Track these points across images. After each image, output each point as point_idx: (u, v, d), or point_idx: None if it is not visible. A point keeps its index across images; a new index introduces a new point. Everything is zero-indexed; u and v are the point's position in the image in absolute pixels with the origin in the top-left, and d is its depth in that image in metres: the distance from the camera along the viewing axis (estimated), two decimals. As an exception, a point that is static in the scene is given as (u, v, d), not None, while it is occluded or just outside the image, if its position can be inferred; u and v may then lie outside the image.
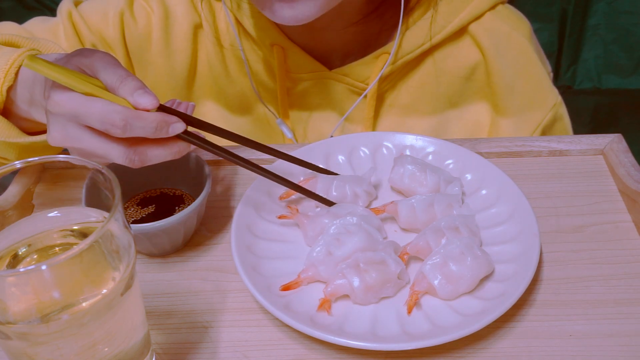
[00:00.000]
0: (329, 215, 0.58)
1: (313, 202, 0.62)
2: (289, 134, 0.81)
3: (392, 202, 0.60)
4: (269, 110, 0.82)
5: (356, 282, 0.52)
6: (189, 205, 0.60)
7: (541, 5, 1.98)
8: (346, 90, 0.79)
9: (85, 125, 0.50)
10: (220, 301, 0.55)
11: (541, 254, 0.57)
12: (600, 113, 2.04)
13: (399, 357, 0.50)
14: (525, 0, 1.90)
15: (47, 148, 0.61)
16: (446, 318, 0.51)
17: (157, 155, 0.52)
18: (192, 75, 0.82)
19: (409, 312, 0.51)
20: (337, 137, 0.68)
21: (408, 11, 0.74)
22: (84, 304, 0.38)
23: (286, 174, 0.61)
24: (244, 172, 0.68)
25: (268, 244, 0.58)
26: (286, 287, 0.54)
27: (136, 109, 0.50)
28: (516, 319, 0.53)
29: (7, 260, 0.41)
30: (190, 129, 0.54)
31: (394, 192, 0.65)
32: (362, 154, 0.68)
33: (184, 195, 0.63)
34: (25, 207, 0.62)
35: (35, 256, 0.42)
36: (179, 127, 0.52)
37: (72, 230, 0.43)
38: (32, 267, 0.35)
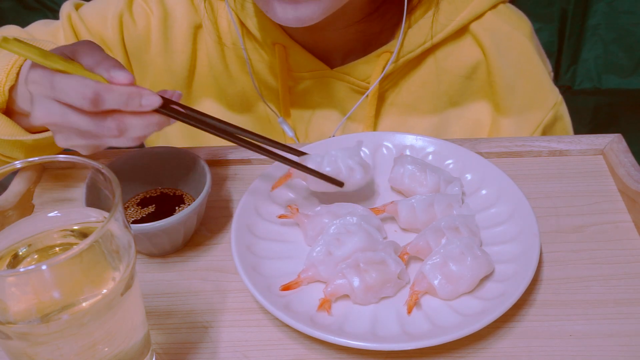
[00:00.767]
0: (329, 214, 0.58)
1: (313, 203, 0.62)
2: (290, 133, 0.81)
3: (392, 202, 0.60)
4: (271, 109, 0.82)
5: (356, 282, 0.52)
6: (189, 205, 0.60)
7: (541, 5, 1.98)
8: (347, 89, 0.79)
9: (64, 102, 0.51)
10: (220, 301, 0.55)
11: (541, 254, 0.57)
12: (600, 113, 2.04)
13: (399, 357, 0.50)
14: (525, 0, 1.89)
15: (53, 146, 0.61)
16: (446, 318, 0.51)
17: (135, 124, 0.52)
18: (191, 75, 0.82)
19: (409, 312, 0.51)
20: (337, 137, 0.68)
21: (410, 10, 0.74)
22: (84, 304, 0.38)
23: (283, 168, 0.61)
24: (244, 172, 0.68)
25: (268, 244, 0.58)
26: (286, 287, 0.54)
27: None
28: (516, 319, 0.53)
29: (7, 260, 0.41)
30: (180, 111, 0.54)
31: (394, 192, 0.65)
32: (362, 154, 0.67)
33: (184, 195, 0.63)
34: (25, 207, 0.62)
35: (35, 256, 0.42)
36: (153, 99, 0.52)
37: (72, 230, 0.43)
38: (32, 267, 0.35)
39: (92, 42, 0.55)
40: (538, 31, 0.83)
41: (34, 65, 0.51)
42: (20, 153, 0.65)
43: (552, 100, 0.76)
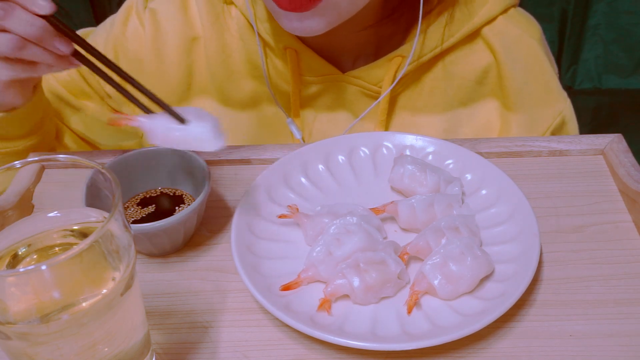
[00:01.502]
0: (329, 214, 0.58)
1: (313, 203, 0.62)
2: (297, 135, 0.81)
3: (392, 202, 0.60)
4: (282, 111, 0.82)
5: (356, 282, 0.52)
6: (189, 205, 0.60)
7: (541, 5, 1.98)
8: (358, 92, 0.79)
9: None
10: (220, 301, 0.55)
11: (541, 254, 0.57)
12: (600, 113, 2.04)
13: (399, 357, 0.50)
14: (525, 1, 1.90)
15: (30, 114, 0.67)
16: (446, 318, 0.51)
17: (21, 17, 0.54)
18: (188, 86, 0.83)
19: (409, 312, 0.51)
20: (337, 137, 0.68)
21: (425, 15, 0.74)
22: (84, 304, 0.38)
23: (290, 171, 0.61)
24: (244, 172, 0.68)
25: (268, 244, 0.58)
26: (286, 287, 0.54)
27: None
28: (516, 319, 0.53)
29: (7, 260, 0.41)
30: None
31: (394, 192, 0.65)
32: (362, 154, 0.68)
33: (184, 195, 0.63)
34: (25, 207, 0.62)
35: (35, 256, 0.42)
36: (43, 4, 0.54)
37: (72, 230, 0.43)
38: (32, 267, 0.35)
39: None
40: (538, 31, 0.83)
41: None
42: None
43: (561, 105, 0.77)
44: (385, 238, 0.59)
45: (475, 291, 0.53)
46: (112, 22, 0.83)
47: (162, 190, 0.64)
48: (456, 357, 0.50)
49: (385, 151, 0.68)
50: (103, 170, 0.41)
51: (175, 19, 0.80)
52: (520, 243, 0.56)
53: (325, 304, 0.52)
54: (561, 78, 0.81)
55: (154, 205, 0.62)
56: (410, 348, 0.48)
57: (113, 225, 0.39)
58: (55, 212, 0.44)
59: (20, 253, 0.41)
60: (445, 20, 0.74)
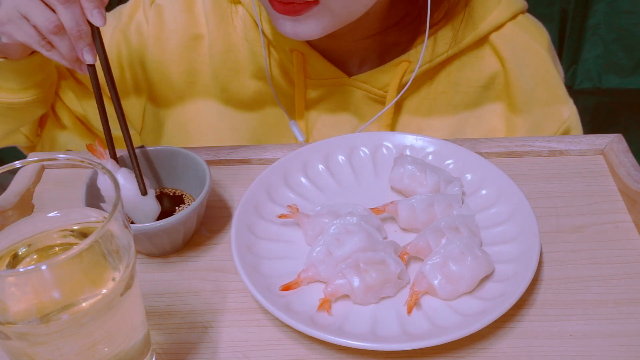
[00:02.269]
0: (329, 214, 0.58)
1: (313, 203, 0.62)
2: (300, 137, 0.81)
3: (392, 202, 0.60)
4: (285, 113, 0.82)
5: (356, 282, 0.52)
6: (189, 205, 0.60)
7: (541, 5, 1.98)
8: (364, 96, 0.79)
9: None
10: (220, 301, 0.55)
11: (541, 254, 0.57)
12: (600, 113, 2.04)
13: (399, 357, 0.50)
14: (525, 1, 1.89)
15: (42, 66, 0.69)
16: (446, 318, 0.51)
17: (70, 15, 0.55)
18: (190, 84, 0.82)
19: (409, 312, 0.51)
20: (337, 137, 0.68)
21: (432, 24, 0.74)
22: (84, 304, 0.38)
23: (291, 171, 0.61)
24: (244, 172, 0.68)
25: (268, 244, 0.58)
26: (286, 287, 0.54)
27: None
28: (516, 319, 0.53)
29: (7, 260, 0.41)
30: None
31: (394, 192, 0.65)
32: (362, 154, 0.68)
33: (184, 195, 0.63)
34: (25, 207, 0.62)
35: (35, 256, 0.42)
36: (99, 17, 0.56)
37: (72, 230, 0.43)
38: (32, 267, 0.35)
39: None
40: (538, 31, 0.83)
41: None
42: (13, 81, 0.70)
43: (567, 112, 0.77)
44: (385, 238, 0.59)
45: (475, 291, 0.53)
46: (119, 12, 0.83)
47: (162, 190, 0.64)
48: (456, 357, 0.50)
49: (385, 151, 0.68)
50: (103, 171, 0.41)
51: (180, 16, 0.80)
52: (520, 243, 0.56)
53: (325, 304, 0.52)
54: (561, 78, 0.81)
55: (154, 205, 0.62)
56: (410, 348, 0.48)
57: (113, 225, 0.39)
58: (55, 212, 0.44)
59: (20, 253, 0.41)
60: (453, 26, 0.74)
